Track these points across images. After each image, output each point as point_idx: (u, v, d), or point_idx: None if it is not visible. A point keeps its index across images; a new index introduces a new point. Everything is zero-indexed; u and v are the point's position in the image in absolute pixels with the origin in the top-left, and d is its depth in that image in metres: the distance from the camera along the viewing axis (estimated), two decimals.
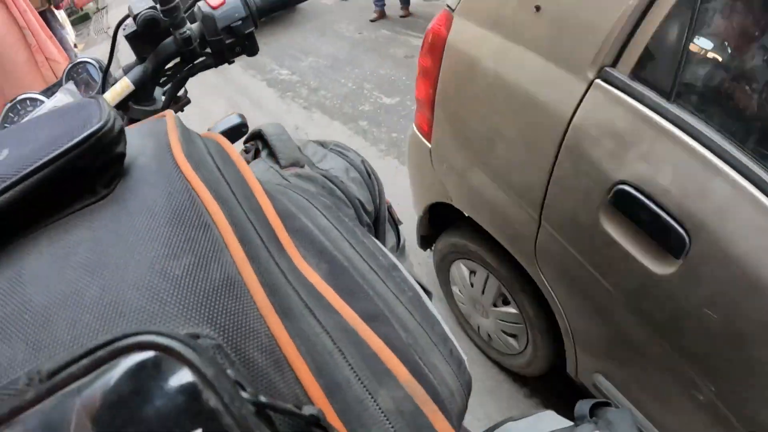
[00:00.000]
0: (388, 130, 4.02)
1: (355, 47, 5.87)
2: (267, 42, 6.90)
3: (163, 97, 0.89)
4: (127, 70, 0.87)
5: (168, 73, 0.86)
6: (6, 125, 1.18)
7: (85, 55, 5.52)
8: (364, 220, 0.90)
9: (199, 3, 0.84)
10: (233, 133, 1.04)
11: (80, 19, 13.75)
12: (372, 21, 6.49)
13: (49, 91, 1.21)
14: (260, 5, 0.86)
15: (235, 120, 1.02)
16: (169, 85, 0.88)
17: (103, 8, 17.47)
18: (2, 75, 3.88)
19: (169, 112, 0.62)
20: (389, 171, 3.57)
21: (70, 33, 5.87)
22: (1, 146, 0.49)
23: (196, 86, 4.41)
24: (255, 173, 0.64)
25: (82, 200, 0.47)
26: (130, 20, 0.82)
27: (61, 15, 5.44)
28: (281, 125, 0.96)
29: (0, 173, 0.44)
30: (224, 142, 0.64)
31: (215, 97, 5.48)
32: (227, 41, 0.83)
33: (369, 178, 0.95)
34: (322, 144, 0.99)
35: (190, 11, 0.83)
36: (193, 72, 0.89)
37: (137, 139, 0.55)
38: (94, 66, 1.23)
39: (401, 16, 6.38)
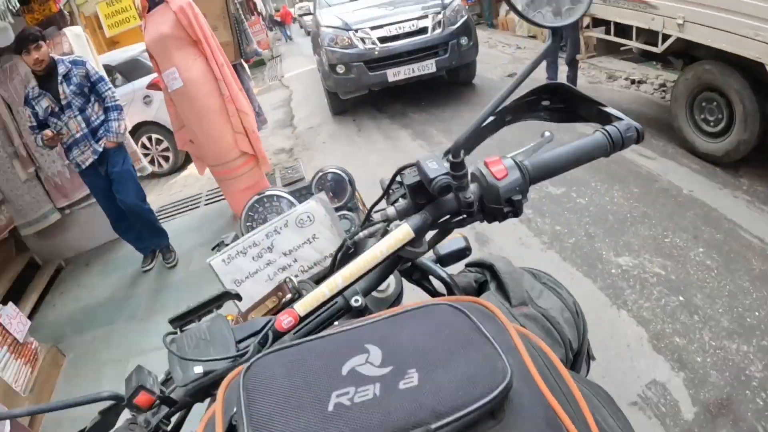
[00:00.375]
0: (552, 222, 3.88)
1: (521, 127, 5.81)
2: (436, 113, 7.12)
3: (426, 239, 0.92)
4: (401, 213, 0.90)
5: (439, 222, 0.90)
6: (250, 214, 1.30)
7: (258, 97, 5.86)
8: (570, 358, 0.93)
9: (480, 167, 0.87)
10: (458, 255, 1.07)
11: (256, 64, 14.74)
12: None
13: (296, 192, 1.28)
14: (533, 175, 0.88)
15: (461, 243, 1.07)
16: (435, 231, 0.92)
17: (278, 56, 18.80)
18: (196, 119, 4.18)
19: (488, 304, 0.67)
20: (550, 265, 3.43)
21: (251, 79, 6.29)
22: (401, 359, 0.59)
23: (364, 147, 4.55)
24: None
25: (486, 425, 0.54)
26: (410, 170, 0.88)
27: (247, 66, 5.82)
28: (510, 261, 0.99)
29: (433, 406, 0.53)
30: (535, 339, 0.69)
31: (383, 161, 5.68)
32: (504, 209, 0.86)
33: (577, 317, 0.98)
34: (535, 275, 1.02)
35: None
36: (462, 225, 0.91)
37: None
38: (343, 177, 1.30)
39: None
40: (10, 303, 3.60)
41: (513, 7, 0.85)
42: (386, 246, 0.83)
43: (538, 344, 0.68)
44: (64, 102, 4.06)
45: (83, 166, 4.24)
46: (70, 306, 4.66)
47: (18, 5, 3.70)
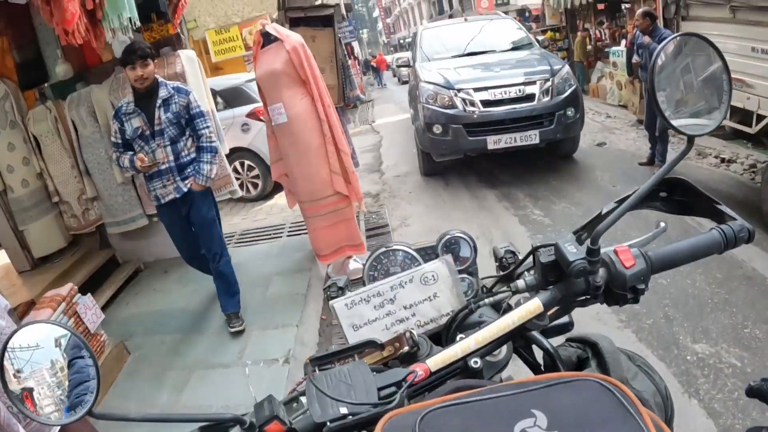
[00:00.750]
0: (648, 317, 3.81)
1: (607, 200, 5.77)
2: (523, 177, 7.11)
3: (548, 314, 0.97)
4: (530, 286, 0.97)
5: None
6: (374, 264, 1.32)
7: (354, 141, 6.03)
8: None
9: (609, 254, 0.93)
10: (561, 328, 1.11)
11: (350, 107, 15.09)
12: (641, 164, 6.90)
13: (422, 251, 1.33)
14: (656, 266, 0.93)
15: (565, 319, 1.09)
16: (558, 308, 0.97)
17: (370, 101, 19.29)
18: (296, 155, 4.35)
19: (625, 388, 0.70)
20: (625, 345, 3.34)
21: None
22: (565, 426, 0.64)
23: (449, 203, 4.58)
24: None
25: None
26: (545, 249, 0.96)
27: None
28: (612, 341, 0.99)
29: None
30: None
31: (467, 219, 5.73)
32: (628, 296, 0.92)
33: (667, 401, 0.98)
34: (630, 357, 1.02)
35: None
36: (585, 305, 0.97)
37: None
38: (468, 243, 1.34)
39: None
40: (89, 294, 3.73)
41: (662, 115, 0.93)
42: (518, 317, 0.89)
43: (662, 427, 0.69)
44: (157, 127, 3.85)
45: (162, 201, 4.01)
46: (143, 307, 4.80)
47: (138, 23, 3.92)
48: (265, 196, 7.93)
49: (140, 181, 5.16)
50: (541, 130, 6.65)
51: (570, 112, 6.74)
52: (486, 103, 6.73)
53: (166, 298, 4.90)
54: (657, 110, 0.92)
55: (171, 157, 3.88)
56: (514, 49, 8.43)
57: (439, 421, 0.67)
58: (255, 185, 7.93)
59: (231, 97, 7.87)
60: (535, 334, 1.06)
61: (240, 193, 5.74)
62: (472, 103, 6.75)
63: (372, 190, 7.63)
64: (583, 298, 0.94)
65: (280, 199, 5.72)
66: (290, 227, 6.26)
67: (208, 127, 3.93)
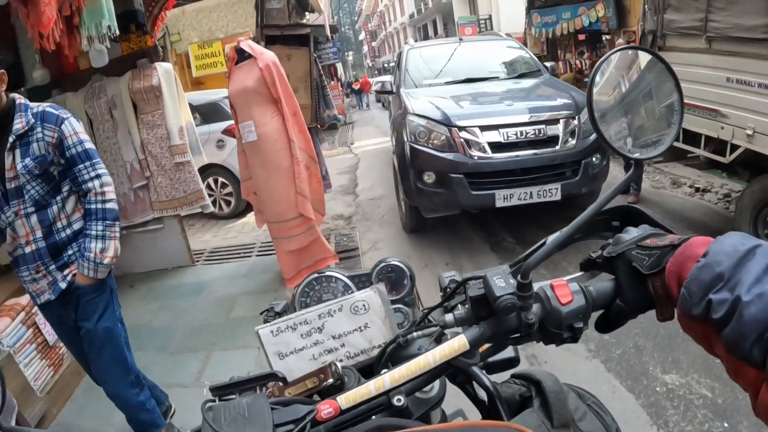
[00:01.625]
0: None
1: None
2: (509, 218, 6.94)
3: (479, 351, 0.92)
4: (459, 321, 0.90)
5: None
6: (306, 290, 1.29)
7: (326, 161, 5.98)
8: None
9: (545, 288, 0.86)
10: (505, 364, 1.08)
11: (328, 128, 15.09)
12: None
13: (356, 278, 1.30)
14: (598, 304, 0.87)
15: (510, 353, 1.06)
16: (490, 345, 0.91)
17: (350, 123, 19.30)
18: (263, 174, 4.28)
19: None
20: (593, 375, 3.36)
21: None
22: None
23: (426, 229, 4.48)
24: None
25: None
26: (475, 282, 0.88)
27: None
28: (557, 379, 0.94)
29: None
30: None
31: (439, 246, 5.69)
32: (564, 335, 0.85)
33: None
34: (580, 395, 0.97)
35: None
36: (519, 343, 0.90)
37: None
38: (405, 271, 1.30)
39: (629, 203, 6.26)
40: None
41: (601, 136, 0.88)
42: (440, 354, 0.82)
43: None
44: (9, 184, 2.42)
45: (38, 301, 2.64)
46: None
47: (117, 32, 3.87)
48: (237, 214, 7.85)
49: None
50: (564, 182, 5.18)
51: (596, 159, 5.33)
52: (495, 147, 5.17)
53: (130, 315, 4.68)
54: (596, 130, 0.88)
55: (38, 233, 2.49)
56: (520, 76, 6.87)
57: None
58: (228, 203, 7.85)
59: (208, 113, 7.82)
60: (475, 370, 1.03)
61: (212, 208, 5.69)
62: (478, 146, 5.18)
63: (345, 212, 7.56)
64: (518, 335, 0.88)
65: (252, 217, 5.66)
66: (260, 247, 6.21)
67: (99, 176, 2.52)
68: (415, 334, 0.96)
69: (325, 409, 0.79)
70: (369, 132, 16.02)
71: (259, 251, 6.11)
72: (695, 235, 0.79)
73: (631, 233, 0.86)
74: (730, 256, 0.68)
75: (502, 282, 0.83)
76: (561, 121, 5.26)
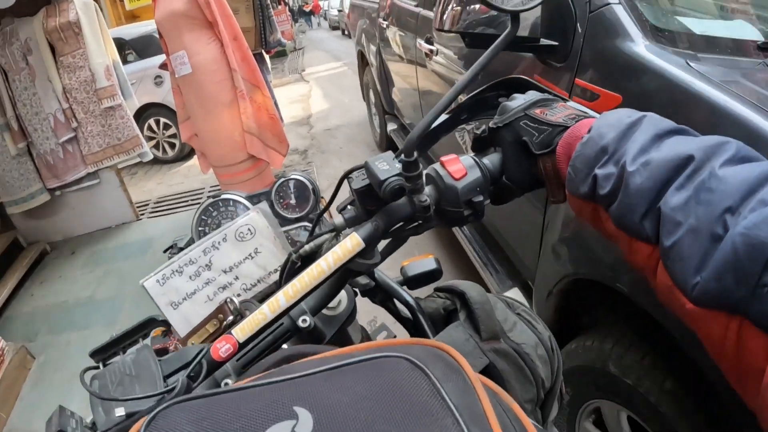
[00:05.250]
0: None
1: None
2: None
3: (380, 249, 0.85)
4: (350, 221, 0.82)
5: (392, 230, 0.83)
6: (203, 218, 1.24)
7: (275, 90, 5.43)
8: (540, 397, 0.90)
9: (436, 167, 0.80)
10: (427, 277, 1.05)
11: (277, 55, 14.40)
12: None
13: (255, 198, 1.21)
14: (495, 173, 0.82)
15: (431, 264, 1.05)
16: (390, 240, 0.84)
17: (300, 49, 18.41)
18: (203, 112, 3.68)
19: (456, 354, 0.56)
20: None
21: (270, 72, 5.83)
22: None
23: None
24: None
25: None
26: (359, 173, 0.80)
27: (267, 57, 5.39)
28: (484, 291, 0.92)
29: None
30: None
31: None
32: (465, 212, 0.79)
33: (552, 353, 0.93)
34: (509, 304, 0.96)
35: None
36: (418, 232, 0.84)
37: None
38: (307, 185, 1.25)
39: None
40: None
41: None
42: (333, 259, 0.75)
43: (509, 406, 0.57)
44: None
45: None
46: (49, 299, 4.27)
47: None
48: (183, 157, 7.22)
49: (37, 150, 4.62)
50: None
51: None
52: None
53: (73, 287, 4.37)
54: None
55: None
56: None
57: (170, 424, 0.49)
58: (172, 145, 7.15)
59: (142, 47, 7.05)
60: (392, 284, 1.01)
61: (150, 156, 5.06)
62: None
63: (299, 145, 6.96)
64: (416, 224, 0.81)
65: None
66: (210, 191, 5.70)
67: None
68: (306, 246, 0.89)
69: (223, 346, 0.72)
70: (320, 57, 15.38)
71: (209, 196, 5.54)
72: (582, 111, 0.76)
73: (518, 100, 0.80)
74: (614, 127, 0.65)
75: (385, 165, 0.76)
76: None
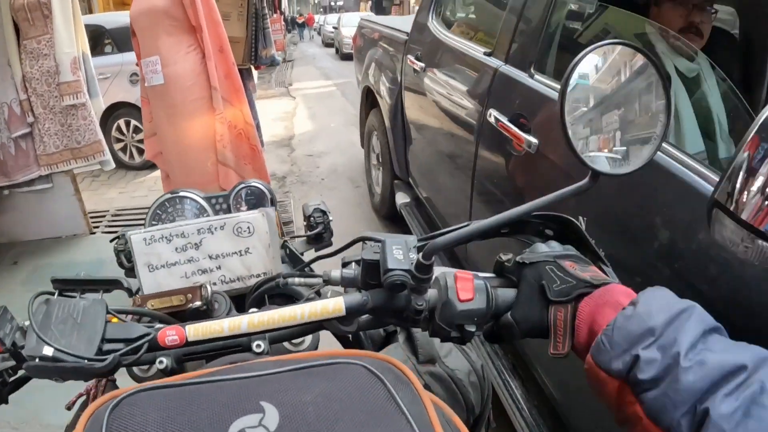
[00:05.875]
0: None
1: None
2: None
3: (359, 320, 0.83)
4: (345, 281, 0.80)
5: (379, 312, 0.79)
6: (158, 212, 1.25)
7: (258, 104, 4.96)
8: (470, 423, 0.93)
9: (447, 276, 0.76)
10: None
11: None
12: None
13: (212, 199, 1.26)
14: (499, 310, 0.76)
15: None
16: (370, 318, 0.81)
17: (290, 61, 18.03)
18: (172, 132, 3.21)
19: (405, 369, 0.63)
20: None
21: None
22: (302, 426, 0.52)
23: (368, 200, 3.62)
24: None
25: None
26: (376, 245, 0.78)
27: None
28: None
29: None
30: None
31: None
32: (451, 334, 0.76)
33: (483, 381, 0.96)
34: None
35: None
36: (403, 326, 0.89)
37: None
38: (266, 194, 1.28)
39: None
40: None
41: (567, 140, 0.75)
42: (310, 311, 0.74)
43: (451, 418, 0.63)
44: None
45: None
46: None
47: None
48: (151, 165, 6.56)
49: None
50: None
51: None
52: None
53: (10, 306, 3.70)
54: (564, 136, 0.74)
55: None
56: None
57: (138, 411, 0.53)
58: (141, 151, 6.44)
59: (124, 38, 6.25)
60: None
61: (112, 166, 4.51)
62: None
63: (278, 170, 6.42)
64: (401, 317, 0.78)
65: None
66: None
67: None
68: (297, 280, 0.93)
69: (171, 335, 0.73)
70: (310, 73, 15.03)
71: (168, 192, 5.02)
72: (616, 282, 0.73)
73: (553, 247, 0.79)
74: (664, 311, 0.62)
75: (400, 254, 0.75)
76: None
